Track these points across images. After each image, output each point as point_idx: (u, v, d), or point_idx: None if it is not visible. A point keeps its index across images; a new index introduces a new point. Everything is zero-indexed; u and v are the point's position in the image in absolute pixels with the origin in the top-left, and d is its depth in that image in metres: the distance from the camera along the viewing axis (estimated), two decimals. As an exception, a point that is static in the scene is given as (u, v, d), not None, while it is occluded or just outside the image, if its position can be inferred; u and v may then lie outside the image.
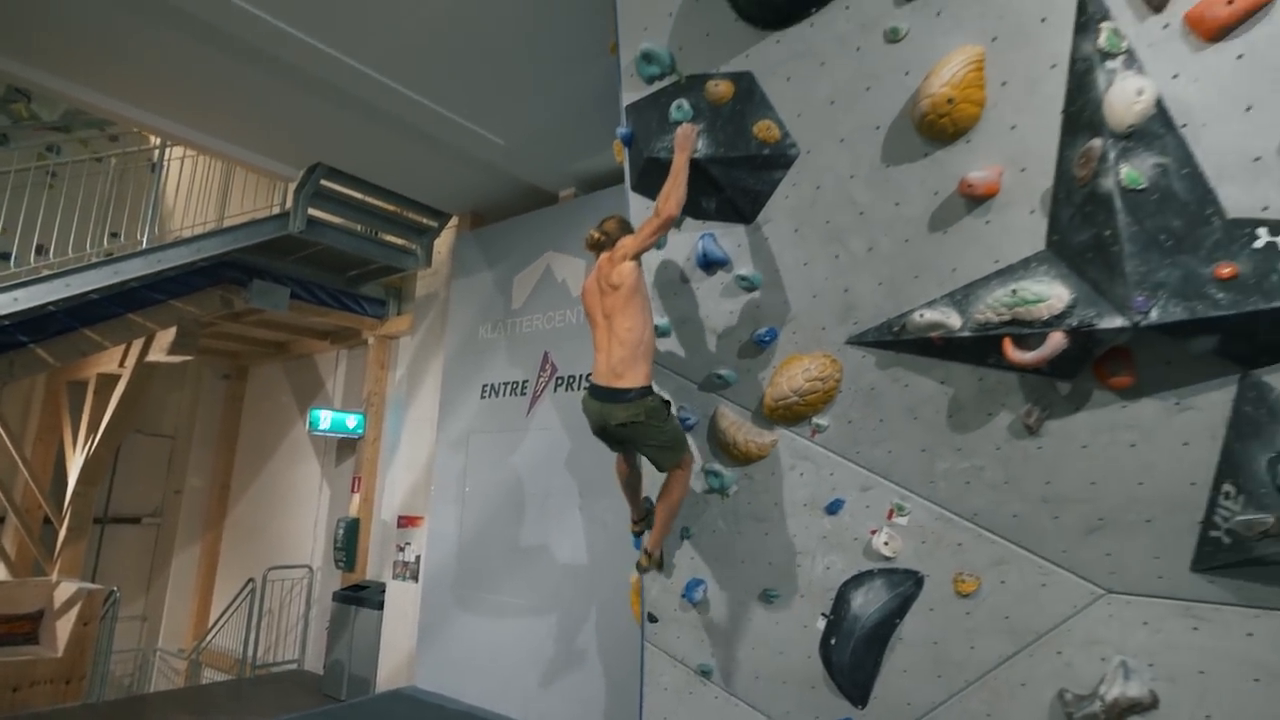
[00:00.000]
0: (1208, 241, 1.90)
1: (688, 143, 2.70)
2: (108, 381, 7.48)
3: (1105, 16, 1.94)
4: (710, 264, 3.02)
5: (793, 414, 2.97)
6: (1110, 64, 1.93)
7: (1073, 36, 2.00)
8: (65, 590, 7.11)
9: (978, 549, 2.68)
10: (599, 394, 2.82)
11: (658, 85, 2.92)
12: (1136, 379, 2.15)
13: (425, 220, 6.61)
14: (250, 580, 8.09)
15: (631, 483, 3.28)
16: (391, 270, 7.22)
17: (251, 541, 9.39)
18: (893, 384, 2.71)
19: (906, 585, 2.84)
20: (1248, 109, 1.83)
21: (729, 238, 2.98)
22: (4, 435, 7.38)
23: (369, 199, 6.15)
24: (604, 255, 2.93)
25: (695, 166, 2.75)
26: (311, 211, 5.83)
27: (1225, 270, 1.86)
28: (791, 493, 3.11)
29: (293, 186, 5.67)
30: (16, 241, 5.29)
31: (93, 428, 7.51)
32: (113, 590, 7.41)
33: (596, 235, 2.98)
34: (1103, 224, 1.98)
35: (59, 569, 7.47)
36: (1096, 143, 1.96)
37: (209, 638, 8.70)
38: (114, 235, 6.04)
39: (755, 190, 2.77)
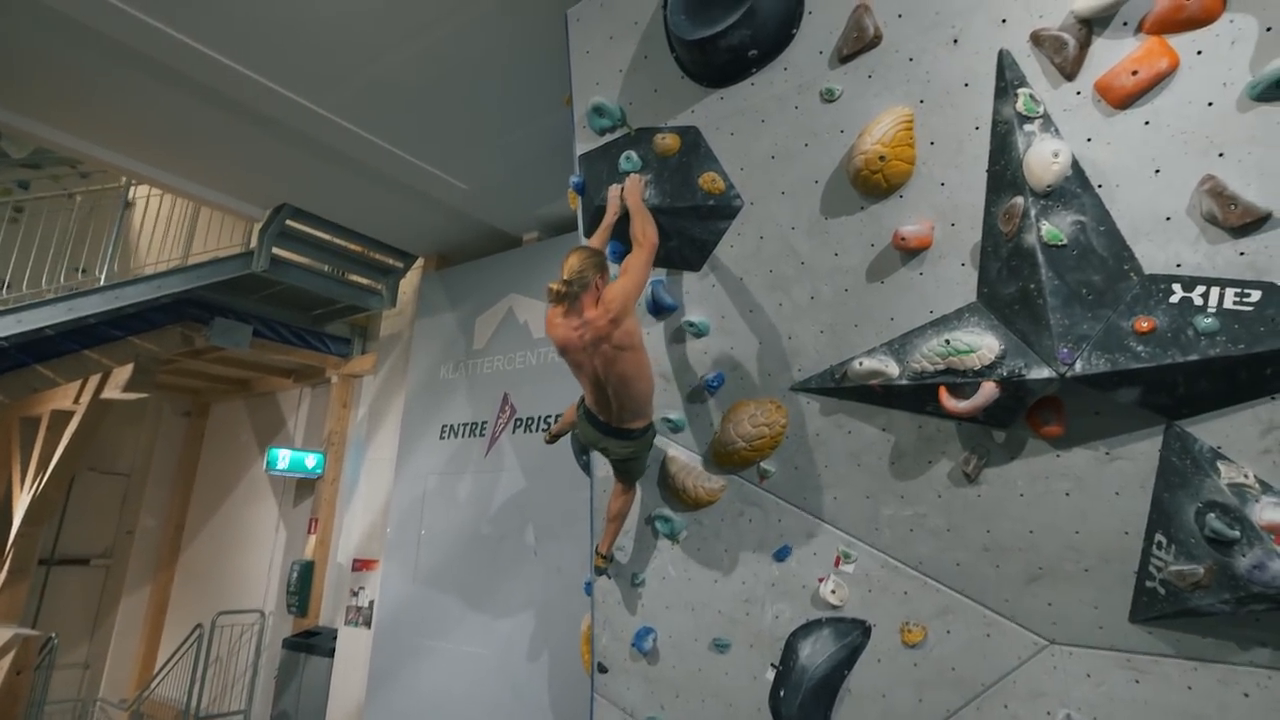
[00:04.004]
0: (1127, 296, 1.93)
1: (636, 190, 2.72)
2: (61, 418, 7.16)
3: (1022, 83, 2.00)
4: (660, 310, 3.01)
5: (741, 459, 2.93)
6: (1028, 127, 1.98)
7: (994, 100, 2.06)
8: (0, 636, 6.67)
9: (923, 598, 2.63)
10: (604, 429, 2.73)
11: (609, 137, 2.95)
12: (1067, 429, 2.15)
13: (391, 261, 6.56)
14: (198, 626, 7.68)
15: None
16: (356, 309, 7.12)
17: (203, 585, 8.95)
18: (836, 430, 2.68)
19: (854, 635, 2.77)
20: (1157, 171, 1.88)
21: (678, 285, 2.97)
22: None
23: (336, 240, 6.09)
24: (590, 310, 2.44)
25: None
26: (277, 251, 5.75)
27: (1144, 324, 1.88)
28: (740, 539, 3.04)
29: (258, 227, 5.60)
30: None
31: (42, 465, 7.15)
32: (50, 636, 6.97)
33: (560, 289, 2.42)
34: (1028, 277, 2.00)
35: (-6, 615, 7.04)
36: (1019, 200, 1.99)
37: (152, 687, 8.19)
38: (82, 271, 5.90)
39: (702, 239, 2.77)
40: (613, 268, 2.96)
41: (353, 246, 6.29)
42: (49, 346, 5.51)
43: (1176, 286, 1.87)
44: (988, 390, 2.09)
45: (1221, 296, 1.81)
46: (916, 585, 2.64)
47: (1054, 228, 1.94)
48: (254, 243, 5.58)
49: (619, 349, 2.48)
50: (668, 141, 2.69)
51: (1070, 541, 2.26)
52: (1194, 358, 1.82)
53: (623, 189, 2.75)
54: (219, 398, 9.74)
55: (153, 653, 9.11)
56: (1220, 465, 1.94)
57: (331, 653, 6.24)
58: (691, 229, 2.75)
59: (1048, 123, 1.98)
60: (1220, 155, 1.80)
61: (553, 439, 3.62)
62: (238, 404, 9.50)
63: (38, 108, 4.40)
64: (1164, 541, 2.05)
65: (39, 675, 6.79)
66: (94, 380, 6.69)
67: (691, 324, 2.93)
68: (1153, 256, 1.92)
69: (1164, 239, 1.90)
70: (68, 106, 4.37)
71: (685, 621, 3.20)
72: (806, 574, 2.87)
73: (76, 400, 6.88)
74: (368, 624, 5.99)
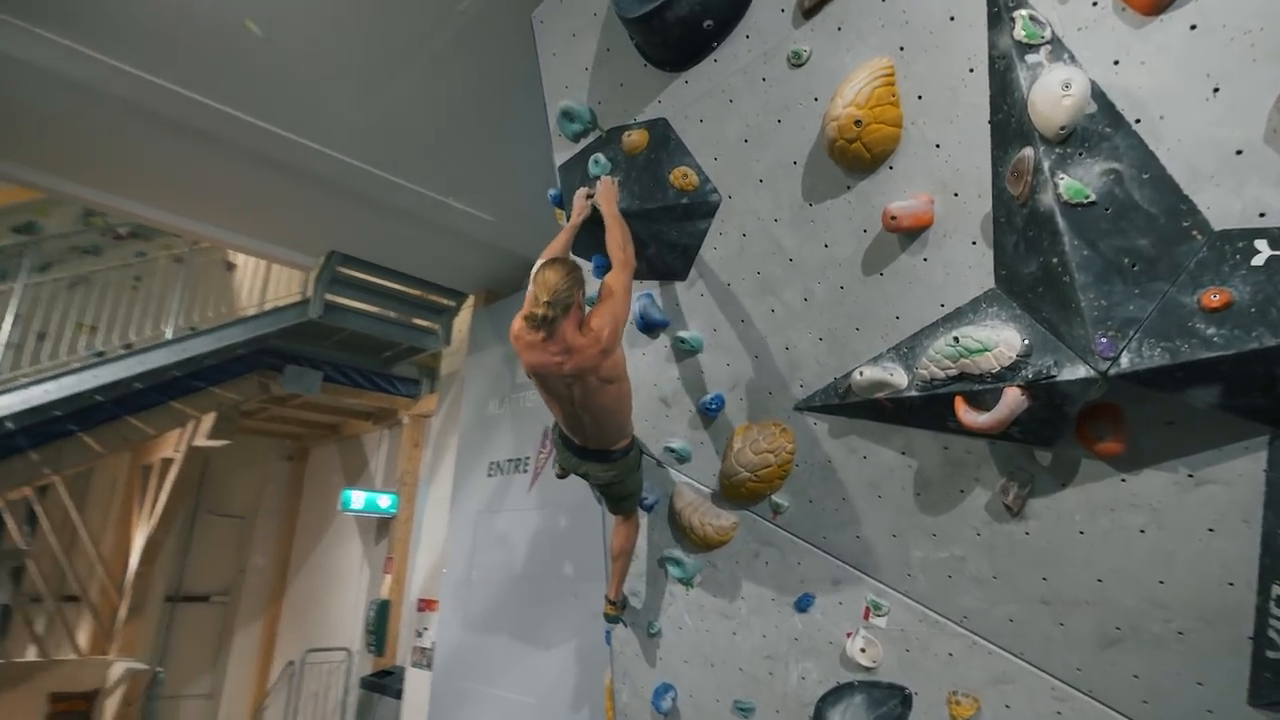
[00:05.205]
0: (1188, 262, 1.43)
1: (610, 193, 2.43)
2: (167, 465, 7.74)
3: (1020, 3, 1.55)
4: (650, 326, 2.69)
5: (749, 492, 2.54)
6: (1031, 57, 1.53)
7: (987, 32, 1.62)
8: (117, 670, 7.16)
9: (972, 661, 2.13)
10: (581, 453, 2.49)
11: (584, 142, 2.70)
12: (1130, 444, 1.63)
13: (444, 300, 6.62)
14: (290, 663, 7.93)
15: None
16: (417, 350, 7.23)
17: (303, 621, 9.31)
18: (850, 455, 2.25)
19: (891, 704, 2.28)
20: (1215, 90, 1.38)
21: (667, 297, 2.65)
22: (76, 518, 7.71)
23: (389, 283, 6.21)
24: (574, 336, 2.16)
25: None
26: (332, 297, 5.91)
27: (1215, 298, 1.37)
28: (757, 585, 2.63)
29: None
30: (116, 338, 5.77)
31: (154, 509, 7.74)
32: (157, 670, 7.40)
33: (545, 313, 2.11)
34: (1048, 250, 1.53)
35: (117, 648, 7.57)
36: (1028, 152, 1.54)
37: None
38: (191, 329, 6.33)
39: (681, 244, 2.44)
40: (594, 284, 2.69)
41: (407, 289, 6.38)
42: (139, 399, 5.90)
43: (1261, 243, 1.36)
44: (1012, 398, 1.62)
45: (1330, 251, 1.29)
46: (963, 645, 2.14)
47: (1076, 182, 1.47)
48: (310, 291, 5.77)
49: (605, 382, 2.22)
50: (634, 138, 2.40)
51: (1153, 594, 1.72)
52: (1295, 339, 1.30)
53: (590, 193, 2.48)
54: (315, 442, 10.25)
55: (263, 686, 9.53)
56: (1362, 488, 1.39)
57: (400, 694, 6.18)
58: (667, 232, 2.43)
59: (1058, 48, 1.52)
60: (1306, 54, 1.29)
61: (564, 473, 3.35)
62: (331, 448, 9.94)
63: (94, 179, 4.76)
64: (1288, 595, 1.51)
65: (148, 707, 7.19)
66: (190, 428, 7.17)
67: (683, 340, 2.59)
68: (1224, 205, 1.41)
69: (1236, 181, 1.39)
70: (119, 174, 4.71)
71: (705, 679, 2.80)
72: (833, 627, 2.42)
73: (176, 448, 7.39)
74: (429, 666, 5.88)
